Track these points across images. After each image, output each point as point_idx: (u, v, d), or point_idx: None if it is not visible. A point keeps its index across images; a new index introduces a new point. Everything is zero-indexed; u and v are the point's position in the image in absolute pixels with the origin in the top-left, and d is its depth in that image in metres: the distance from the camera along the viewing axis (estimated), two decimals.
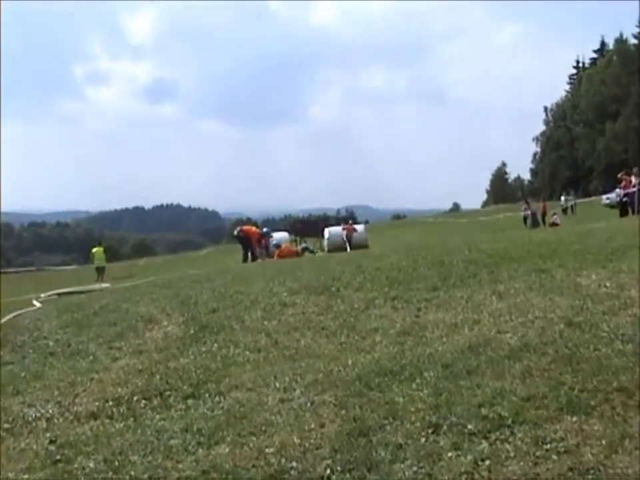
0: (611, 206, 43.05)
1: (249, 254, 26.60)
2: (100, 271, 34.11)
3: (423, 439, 4.01)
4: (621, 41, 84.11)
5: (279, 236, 33.95)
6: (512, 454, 3.68)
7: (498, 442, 3.85)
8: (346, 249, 31.02)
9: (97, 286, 20.07)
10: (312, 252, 30.24)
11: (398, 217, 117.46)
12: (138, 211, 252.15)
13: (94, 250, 35.88)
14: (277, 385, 5.42)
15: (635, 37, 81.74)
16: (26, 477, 4.27)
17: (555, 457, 3.60)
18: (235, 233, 28.39)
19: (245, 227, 29.46)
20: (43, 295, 15.81)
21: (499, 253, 10.19)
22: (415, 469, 3.68)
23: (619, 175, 29.86)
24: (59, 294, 16.02)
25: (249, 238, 27.13)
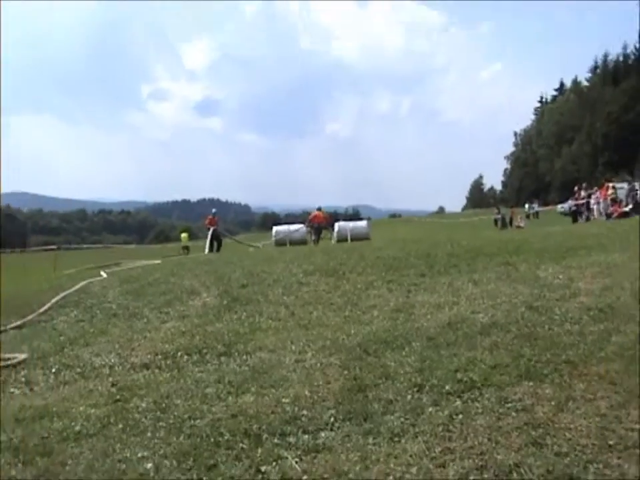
0: (565, 214, 42.74)
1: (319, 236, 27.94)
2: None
3: (409, 396, 4.00)
4: (576, 83, 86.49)
5: (297, 227, 34.33)
6: (480, 410, 3.67)
7: (469, 400, 3.83)
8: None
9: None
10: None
11: (394, 215, 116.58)
12: (185, 203, 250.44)
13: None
14: (293, 348, 5.41)
15: (587, 80, 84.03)
16: (92, 411, 4.29)
17: (514, 413, 3.58)
18: (307, 223, 29.65)
19: (314, 215, 30.09)
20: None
21: (475, 249, 10.13)
22: (402, 420, 3.66)
23: (575, 189, 29.97)
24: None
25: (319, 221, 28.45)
